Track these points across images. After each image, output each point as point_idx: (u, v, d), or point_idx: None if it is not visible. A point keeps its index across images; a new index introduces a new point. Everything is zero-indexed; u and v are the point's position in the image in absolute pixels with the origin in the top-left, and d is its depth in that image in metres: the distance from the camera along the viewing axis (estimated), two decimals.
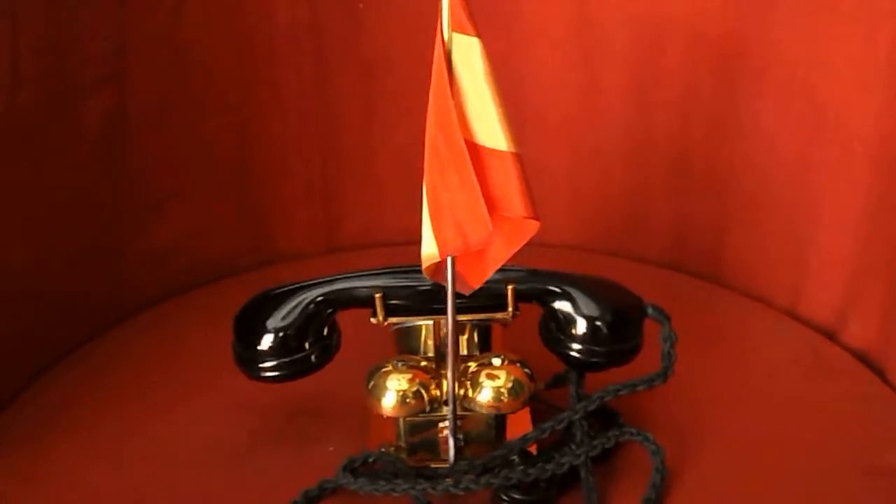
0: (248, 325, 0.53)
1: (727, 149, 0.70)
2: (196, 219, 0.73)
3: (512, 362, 0.52)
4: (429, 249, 0.43)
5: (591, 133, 0.74)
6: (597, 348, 0.52)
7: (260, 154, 0.75)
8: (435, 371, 0.52)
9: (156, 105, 0.68)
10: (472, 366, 0.52)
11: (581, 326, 0.52)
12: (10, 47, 0.58)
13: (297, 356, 0.52)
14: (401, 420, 0.52)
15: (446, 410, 0.51)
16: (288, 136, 0.76)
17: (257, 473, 0.54)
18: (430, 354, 0.54)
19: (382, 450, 0.52)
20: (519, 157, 0.42)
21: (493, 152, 0.42)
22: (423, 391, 0.51)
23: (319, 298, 0.52)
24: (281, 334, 0.52)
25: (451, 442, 0.51)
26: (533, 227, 0.42)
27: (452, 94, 0.41)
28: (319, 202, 0.79)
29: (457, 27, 0.41)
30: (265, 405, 0.58)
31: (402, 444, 0.53)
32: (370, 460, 0.50)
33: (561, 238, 0.76)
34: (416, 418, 0.52)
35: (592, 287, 0.53)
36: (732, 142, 0.69)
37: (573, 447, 0.50)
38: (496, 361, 0.52)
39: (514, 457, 0.50)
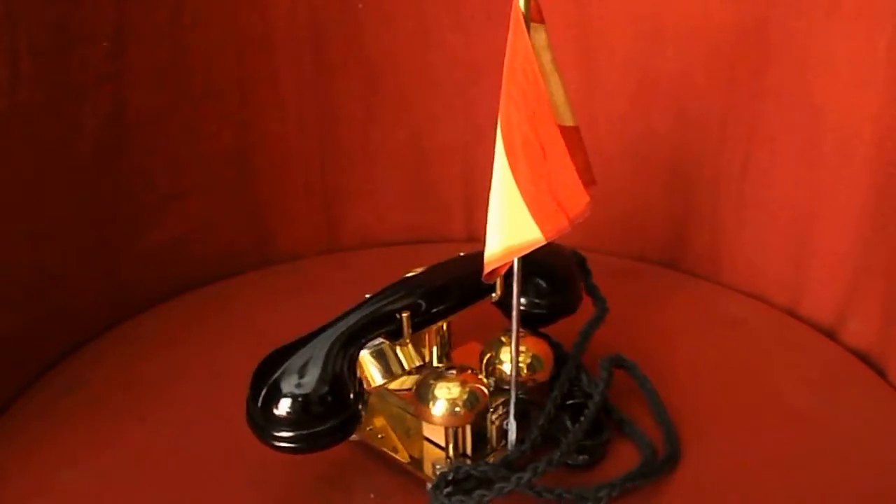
0: (273, 395, 0.47)
1: (727, 148, 0.70)
2: (196, 219, 0.73)
3: (526, 334, 0.53)
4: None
5: (590, 133, 0.73)
6: (539, 300, 0.56)
7: (260, 154, 0.75)
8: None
9: (156, 105, 0.68)
10: (489, 353, 0.52)
11: (530, 283, 0.56)
12: (10, 47, 0.58)
13: (348, 413, 0.47)
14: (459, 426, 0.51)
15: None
16: (288, 135, 0.76)
17: None
18: (417, 364, 0.54)
19: (438, 466, 0.50)
20: (579, 130, 0.45)
21: (565, 129, 0.44)
22: (482, 389, 0.50)
23: (345, 337, 0.49)
24: (320, 393, 0.47)
25: (512, 426, 0.51)
26: (591, 189, 0.45)
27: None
28: (319, 202, 0.79)
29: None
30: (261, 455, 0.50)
31: (451, 451, 0.51)
32: (450, 477, 0.48)
33: (560, 237, 0.76)
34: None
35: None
36: (732, 142, 0.69)
37: (584, 389, 0.54)
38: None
39: (563, 417, 0.52)
